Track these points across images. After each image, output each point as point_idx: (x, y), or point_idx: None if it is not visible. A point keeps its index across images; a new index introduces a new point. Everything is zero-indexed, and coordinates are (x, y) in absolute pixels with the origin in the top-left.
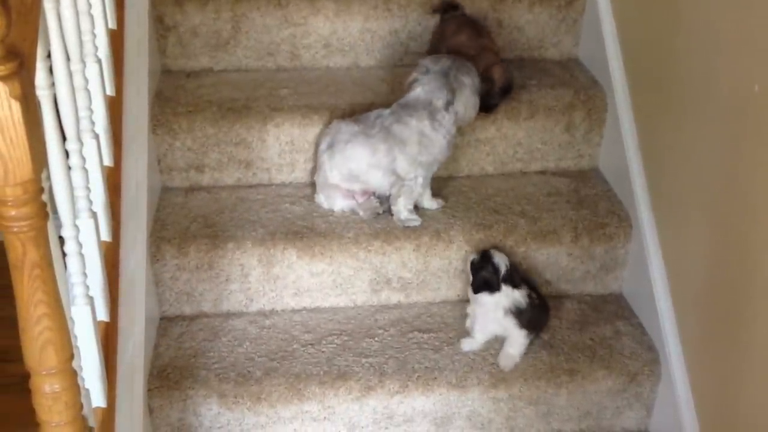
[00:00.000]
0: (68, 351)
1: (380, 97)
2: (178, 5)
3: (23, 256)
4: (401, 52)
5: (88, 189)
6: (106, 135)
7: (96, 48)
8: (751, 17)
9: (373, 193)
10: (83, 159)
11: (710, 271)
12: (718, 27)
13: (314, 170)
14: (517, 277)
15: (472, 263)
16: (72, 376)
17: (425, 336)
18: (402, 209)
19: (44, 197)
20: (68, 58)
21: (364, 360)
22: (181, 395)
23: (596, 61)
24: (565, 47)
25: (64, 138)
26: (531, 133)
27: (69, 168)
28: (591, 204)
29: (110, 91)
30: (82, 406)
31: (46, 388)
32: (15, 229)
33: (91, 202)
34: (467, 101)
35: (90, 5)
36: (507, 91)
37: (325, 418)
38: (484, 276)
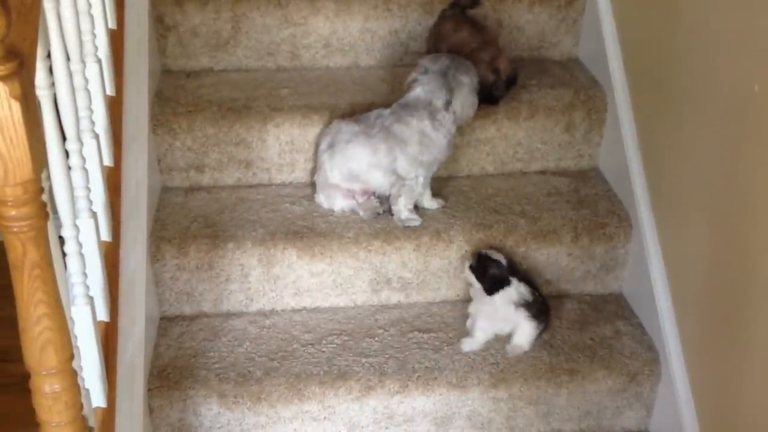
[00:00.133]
0: (68, 351)
1: (380, 97)
2: (178, 5)
3: (23, 256)
4: (401, 52)
5: (88, 189)
6: (106, 135)
7: (96, 48)
8: (751, 17)
9: (373, 193)
10: (83, 159)
11: (710, 271)
12: (718, 27)
13: (314, 170)
14: (519, 273)
15: (473, 268)
16: (72, 376)
17: (425, 336)
18: (402, 209)
19: (44, 197)
20: (68, 58)
21: (364, 360)
22: (181, 395)
23: (596, 60)
24: (565, 47)
25: (64, 138)
26: (531, 133)
27: (69, 168)
28: (591, 204)
29: (110, 91)
30: (82, 406)
31: (46, 388)
32: (15, 229)
33: (91, 202)
34: (465, 100)
35: (90, 5)
36: (512, 82)
37: (325, 418)
38: (494, 274)
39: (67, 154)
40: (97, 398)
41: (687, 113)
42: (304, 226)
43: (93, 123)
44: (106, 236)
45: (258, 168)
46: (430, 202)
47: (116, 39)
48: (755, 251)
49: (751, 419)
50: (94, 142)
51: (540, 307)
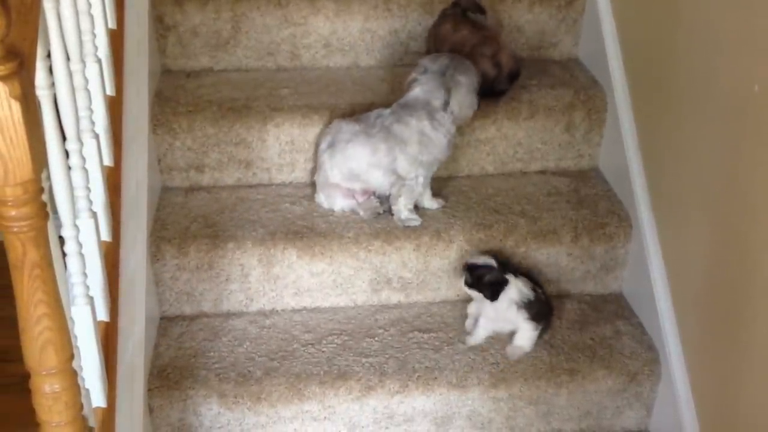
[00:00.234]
0: (68, 351)
1: (380, 96)
2: (178, 5)
3: (23, 256)
4: (401, 52)
5: (88, 189)
6: (106, 135)
7: (96, 48)
8: (751, 17)
9: (374, 193)
10: (83, 159)
11: (710, 271)
12: (718, 27)
13: (314, 170)
14: (510, 266)
15: (469, 283)
16: (72, 376)
17: (425, 336)
18: (402, 209)
19: (44, 197)
20: (68, 58)
21: (364, 360)
22: (182, 395)
23: (596, 61)
24: (565, 47)
25: (64, 138)
26: (531, 133)
27: (69, 168)
28: (591, 204)
29: (110, 90)
30: (82, 406)
31: (46, 388)
32: (15, 229)
33: (91, 202)
34: (463, 100)
35: (90, 5)
36: (515, 76)
37: (325, 417)
38: (490, 281)
39: (67, 154)
40: (97, 398)
41: (687, 113)
42: (304, 226)
43: (93, 123)
44: (106, 236)
45: (258, 168)
46: (430, 202)
47: (116, 39)
48: (755, 251)
49: (751, 419)
50: (94, 142)
51: (540, 307)
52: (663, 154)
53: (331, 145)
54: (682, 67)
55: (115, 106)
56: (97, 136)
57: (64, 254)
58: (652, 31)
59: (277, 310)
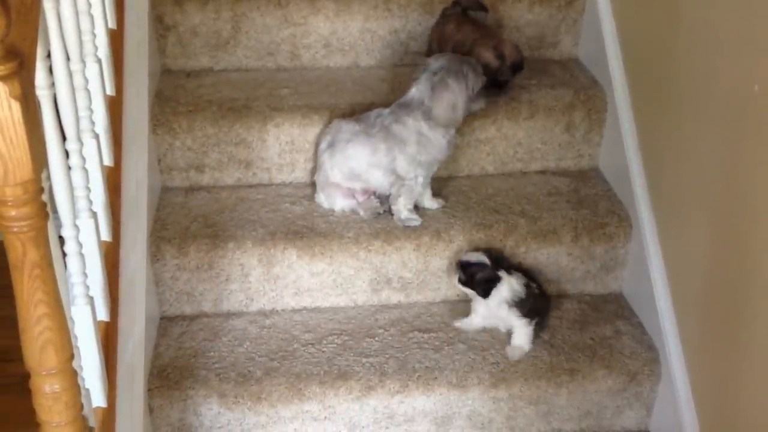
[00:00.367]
0: (68, 351)
1: (380, 96)
2: (178, 5)
3: (23, 256)
4: (401, 52)
5: (88, 189)
6: (106, 135)
7: (96, 48)
8: (751, 17)
9: (374, 193)
10: (83, 159)
11: (710, 271)
12: (718, 27)
13: (314, 170)
14: (504, 262)
15: (462, 280)
16: (72, 376)
17: (425, 336)
18: (402, 209)
19: (44, 197)
20: (68, 58)
21: (364, 360)
22: (182, 395)
23: (596, 61)
24: (565, 47)
25: (64, 138)
26: (531, 133)
27: (69, 168)
28: (591, 204)
29: (110, 90)
30: (82, 406)
31: (47, 389)
32: (15, 229)
33: (91, 202)
34: (446, 104)
35: (90, 5)
36: (518, 67)
37: (325, 417)
38: (481, 278)
39: (67, 154)
40: (97, 398)
41: (687, 113)
42: (304, 226)
43: (93, 123)
44: (106, 236)
45: (258, 168)
46: (430, 202)
47: (116, 39)
48: (755, 251)
49: (751, 419)
50: (94, 142)
51: (533, 302)
52: (663, 154)
53: (331, 145)
54: (682, 67)
55: (115, 106)
56: (97, 136)
57: (64, 254)
58: (652, 31)
59: (277, 310)
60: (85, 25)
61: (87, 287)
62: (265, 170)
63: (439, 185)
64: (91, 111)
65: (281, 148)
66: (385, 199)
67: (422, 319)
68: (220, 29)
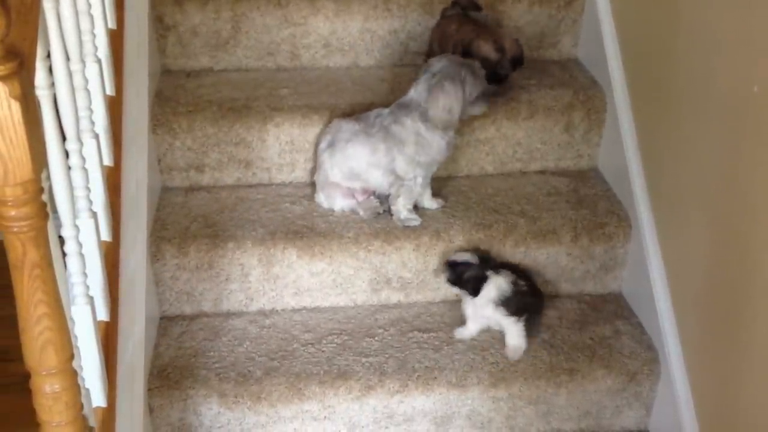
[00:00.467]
0: (68, 351)
1: (380, 96)
2: (178, 5)
3: (23, 256)
4: (401, 52)
5: (88, 189)
6: (106, 135)
7: (96, 48)
8: (750, 17)
9: (373, 193)
10: (83, 159)
11: (710, 271)
12: (717, 27)
13: (314, 170)
14: (491, 261)
15: (451, 280)
16: (72, 376)
17: (425, 335)
18: (401, 209)
19: (44, 197)
20: (68, 58)
21: (364, 359)
22: (182, 395)
23: (595, 61)
24: (565, 47)
25: (63, 138)
26: (530, 133)
27: (69, 168)
28: (590, 204)
29: (110, 90)
30: (82, 406)
31: (47, 388)
32: (15, 229)
33: (91, 201)
34: (442, 106)
35: (89, 5)
36: (518, 61)
37: (325, 417)
38: (469, 277)
39: (67, 154)
40: (97, 398)
41: (686, 113)
42: (304, 225)
43: (93, 123)
44: (106, 236)
45: (258, 168)
46: (430, 202)
47: (116, 39)
48: (755, 251)
49: (751, 419)
50: (93, 141)
51: (521, 299)
52: (662, 154)
53: (331, 145)
54: (681, 67)
55: (115, 106)
56: (97, 136)
57: (64, 254)
58: (652, 31)
59: (277, 310)
60: (84, 25)
61: (87, 287)
62: (265, 170)
63: (438, 185)
64: (91, 111)
65: (281, 148)
66: (384, 199)
67: (422, 318)
68: (220, 29)
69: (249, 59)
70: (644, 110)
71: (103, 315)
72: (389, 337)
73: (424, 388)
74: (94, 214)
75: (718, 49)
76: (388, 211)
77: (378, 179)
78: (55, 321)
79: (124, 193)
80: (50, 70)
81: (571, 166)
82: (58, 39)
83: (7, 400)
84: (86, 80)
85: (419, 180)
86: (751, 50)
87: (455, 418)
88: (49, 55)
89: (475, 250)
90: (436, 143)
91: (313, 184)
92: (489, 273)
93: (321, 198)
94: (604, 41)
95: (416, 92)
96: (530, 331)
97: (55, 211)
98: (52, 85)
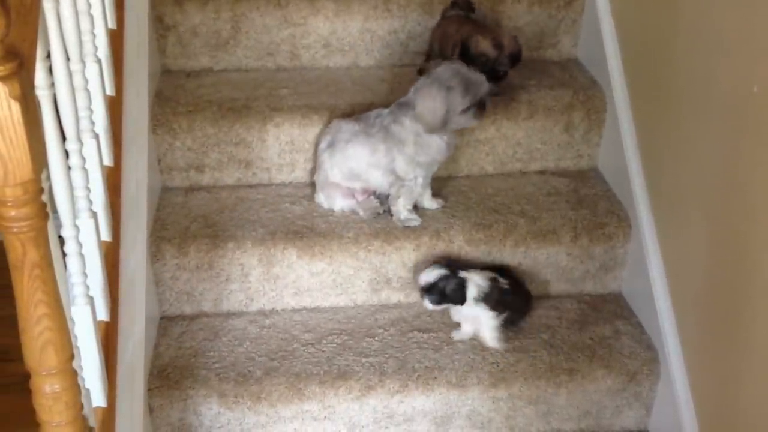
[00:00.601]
0: (68, 351)
1: (380, 97)
2: (178, 5)
3: (23, 257)
4: (400, 52)
5: (88, 189)
6: (106, 135)
7: (96, 48)
8: (750, 17)
9: (373, 192)
10: (83, 159)
11: (709, 271)
12: (717, 27)
13: (314, 170)
14: (459, 262)
15: (436, 302)
16: (72, 376)
17: (425, 335)
18: (401, 209)
19: (44, 197)
20: (68, 58)
21: (364, 359)
22: (182, 395)
23: (595, 61)
24: (564, 47)
25: (63, 138)
26: (530, 133)
27: (69, 168)
28: (590, 204)
29: (110, 90)
30: (82, 406)
31: (47, 389)
32: (15, 230)
33: (91, 202)
34: (425, 109)
35: (89, 5)
36: (516, 58)
37: (325, 417)
38: (453, 288)
39: (66, 154)
40: (97, 398)
41: (686, 113)
42: (304, 225)
43: (93, 123)
44: (106, 236)
45: (258, 168)
46: (430, 202)
47: (116, 39)
48: (754, 251)
49: (751, 419)
50: (93, 142)
51: (499, 297)
52: (662, 154)
53: (331, 145)
54: (681, 67)
55: (115, 106)
56: (96, 136)
57: (64, 254)
58: (652, 31)
59: (277, 310)
60: (84, 25)
61: (87, 287)
62: (265, 170)
63: (438, 185)
64: (91, 111)
65: (281, 148)
66: (384, 199)
67: (422, 318)
68: (220, 29)
69: (249, 59)
70: (644, 110)
71: (103, 315)
72: (389, 337)
73: (424, 388)
74: (94, 214)
75: (718, 49)
76: (388, 211)
77: (378, 179)
78: (55, 321)
79: (124, 193)
80: (50, 70)
81: (571, 166)
82: (58, 39)
83: (7, 400)
84: (86, 80)
85: (419, 180)
86: (752, 50)
87: (455, 418)
88: (49, 56)
89: (440, 259)
90: (436, 144)
91: (313, 184)
92: (463, 274)
93: (321, 198)
94: (604, 41)
95: (413, 94)
96: (509, 328)
97: (55, 211)
98: (52, 85)
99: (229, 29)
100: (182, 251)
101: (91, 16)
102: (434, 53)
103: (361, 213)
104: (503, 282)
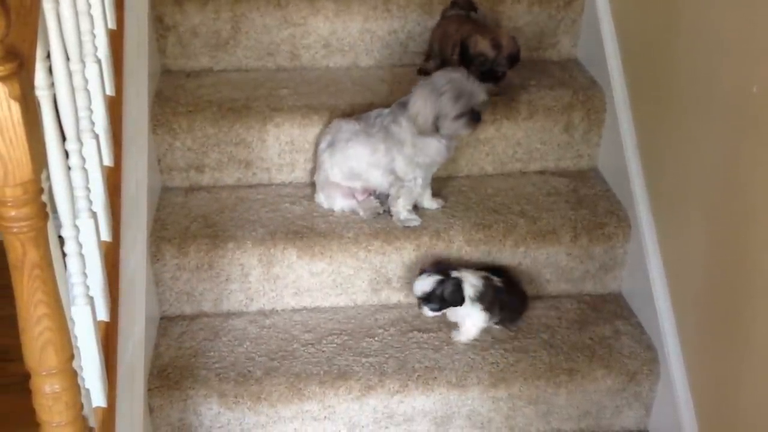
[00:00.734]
0: (68, 351)
1: (379, 97)
2: (178, 5)
3: (23, 257)
4: (400, 53)
5: (88, 189)
6: (106, 135)
7: (95, 48)
8: (750, 17)
9: (374, 192)
10: (83, 159)
11: (709, 271)
12: (717, 27)
13: (314, 170)
14: (448, 264)
15: (436, 309)
16: (72, 377)
17: (425, 335)
18: (401, 210)
19: (44, 197)
20: (68, 59)
21: (364, 359)
22: (182, 395)
23: (595, 61)
24: (564, 48)
25: (63, 138)
26: (530, 133)
27: (69, 168)
28: (590, 204)
29: (110, 91)
30: (82, 406)
31: (47, 389)
32: (15, 230)
33: (91, 202)
34: (413, 111)
35: (89, 5)
36: (515, 58)
37: (325, 417)
38: (450, 292)
39: (66, 154)
40: (97, 398)
41: (686, 113)
42: (304, 226)
43: (93, 123)
44: (106, 236)
45: (258, 168)
46: (430, 202)
47: (116, 39)
48: (754, 251)
49: (751, 419)
50: (93, 142)
51: (492, 297)
52: (662, 154)
53: (331, 145)
54: (681, 67)
55: (114, 107)
56: (96, 137)
57: (64, 254)
58: (651, 31)
59: (277, 310)
60: (84, 25)
61: (87, 287)
62: (265, 170)
63: (438, 185)
64: (91, 111)
65: (281, 148)
66: (384, 199)
67: (422, 318)
68: (220, 29)
69: (249, 59)
70: (644, 110)
71: (103, 315)
72: (389, 337)
73: (424, 388)
74: (94, 215)
75: (718, 49)
76: (388, 212)
77: (378, 179)
78: (55, 321)
79: (124, 194)
80: (50, 70)
81: (571, 166)
82: (58, 39)
83: (7, 400)
84: (86, 80)
85: (419, 181)
86: (752, 50)
87: (455, 418)
88: (48, 56)
89: (426, 266)
90: (434, 145)
91: (313, 184)
92: (456, 275)
93: (321, 198)
94: (604, 41)
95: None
96: (510, 328)
97: (55, 211)
98: (52, 85)
99: (229, 29)
100: (182, 251)
101: (91, 17)
102: (434, 53)
103: (361, 213)
104: (496, 280)
